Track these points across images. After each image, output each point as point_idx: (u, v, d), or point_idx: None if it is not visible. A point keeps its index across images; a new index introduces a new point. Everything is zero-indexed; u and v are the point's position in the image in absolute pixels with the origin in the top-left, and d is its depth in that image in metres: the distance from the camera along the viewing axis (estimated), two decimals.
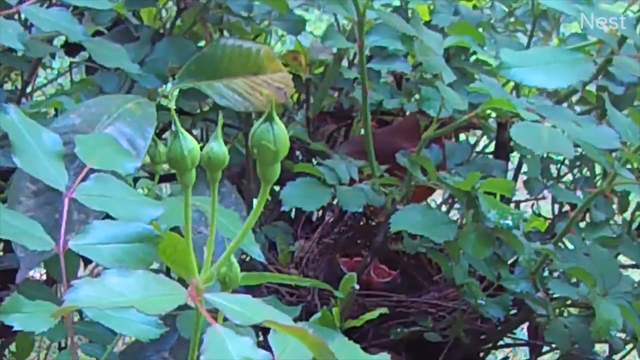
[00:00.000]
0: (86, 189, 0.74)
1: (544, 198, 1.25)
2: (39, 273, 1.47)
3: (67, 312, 0.52)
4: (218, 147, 0.54)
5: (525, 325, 1.26)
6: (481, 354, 1.27)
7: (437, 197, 1.35)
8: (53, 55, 1.36)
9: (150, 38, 1.08)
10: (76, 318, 0.97)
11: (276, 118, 0.52)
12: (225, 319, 0.52)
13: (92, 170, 0.76)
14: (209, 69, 1.02)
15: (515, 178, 1.27)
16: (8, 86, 1.23)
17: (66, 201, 0.73)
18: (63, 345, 1.35)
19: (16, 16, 0.98)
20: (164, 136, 1.19)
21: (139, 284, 0.52)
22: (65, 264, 0.71)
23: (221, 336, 0.49)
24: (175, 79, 1.02)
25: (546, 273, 1.16)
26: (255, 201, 1.29)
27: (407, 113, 1.23)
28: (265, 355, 0.49)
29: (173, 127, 0.54)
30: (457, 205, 1.31)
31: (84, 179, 0.74)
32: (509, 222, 0.97)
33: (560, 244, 1.13)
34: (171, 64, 1.05)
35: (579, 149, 1.11)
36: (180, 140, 0.53)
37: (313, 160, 1.25)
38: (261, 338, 0.67)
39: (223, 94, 1.00)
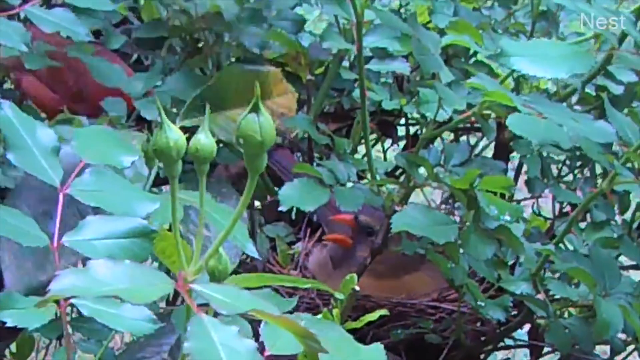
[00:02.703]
0: (81, 184, 0.73)
1: (541, 196, 1.25)
2: None
3: (51, 301, 0.51)
4: (205, 138, 0.54)
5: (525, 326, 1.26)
6: (482, 356, 1.27)
7: (437, 197, 1.35)
8: None
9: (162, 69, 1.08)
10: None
11: (262, 108, 0.53)
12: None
13: (87, 165, 0.76)
14: (216, 101, 1.02)
15: (516, 178, 1.27)
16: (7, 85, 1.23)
17: (60, 196, 0.73)
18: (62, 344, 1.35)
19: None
20: None
21: (125, 273, 0.52)
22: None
23: (205, 324, 0.49)
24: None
25: (548, 274, 1.16)
26: (256, 203, 1.30)
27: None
28: (249, 344, 0.49)
29: (158, 119, 0.54)
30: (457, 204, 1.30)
31: (79, 174, 0.74)
32: (507, 217, 0.97)
33: (561, 244, 1.13)
34: (180, 97, 1.05)
35: (579, 149, 1.11)
36: (166, 131, 0.53)
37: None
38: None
39: (227, 128, 1.01)
